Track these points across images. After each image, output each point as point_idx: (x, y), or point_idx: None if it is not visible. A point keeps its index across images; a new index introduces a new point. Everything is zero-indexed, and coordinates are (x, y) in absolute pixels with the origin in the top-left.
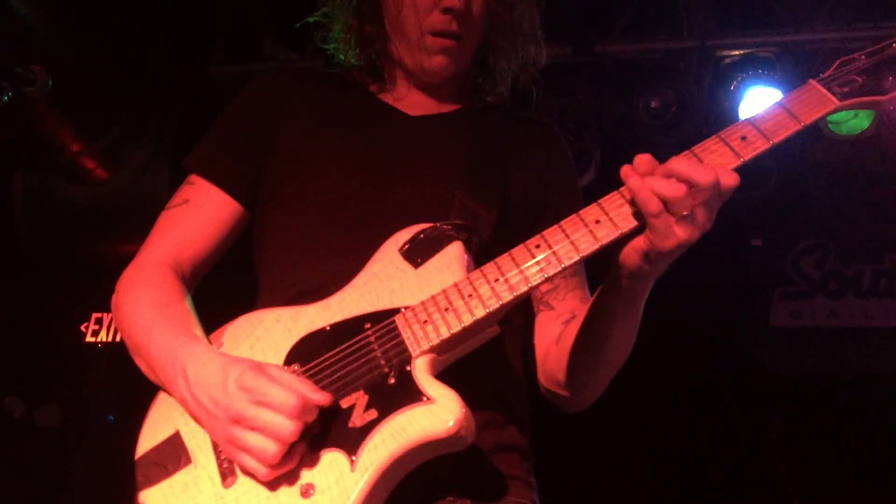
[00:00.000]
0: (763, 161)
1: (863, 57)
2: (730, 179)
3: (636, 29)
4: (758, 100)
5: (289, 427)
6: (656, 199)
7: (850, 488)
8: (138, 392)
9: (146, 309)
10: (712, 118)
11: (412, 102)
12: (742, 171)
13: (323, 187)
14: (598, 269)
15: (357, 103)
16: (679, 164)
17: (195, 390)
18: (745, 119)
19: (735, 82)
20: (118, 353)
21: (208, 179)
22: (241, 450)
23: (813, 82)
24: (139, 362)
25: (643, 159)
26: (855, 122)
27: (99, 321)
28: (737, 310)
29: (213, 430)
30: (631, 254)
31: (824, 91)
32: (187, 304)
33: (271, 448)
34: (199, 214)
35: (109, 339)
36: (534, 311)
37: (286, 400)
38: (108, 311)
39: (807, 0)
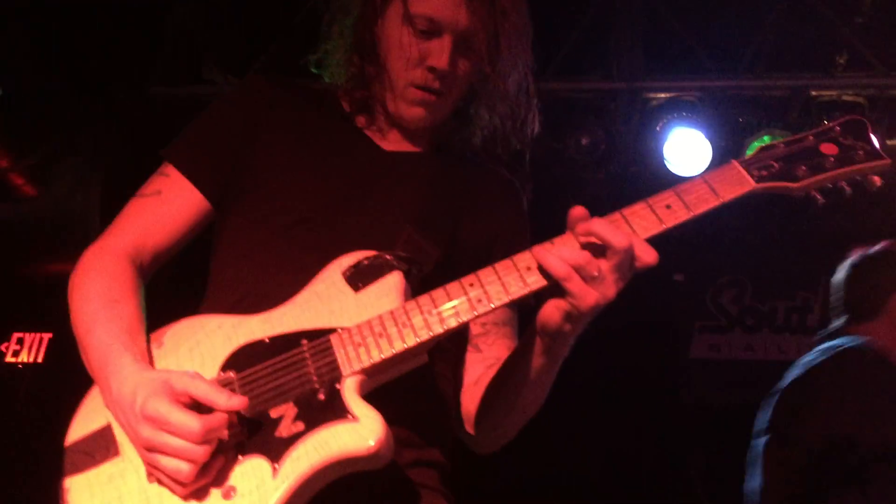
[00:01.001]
0: None
1: (781, 145)
2: (649, 257)
3: (570, 68)
4: (681, 140)
5: (197, 451)
6: (565, 265)
7: None
8: (58, 416)
9: (94, 302)
10: (639, 156)
11: (388, 137)
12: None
13: (284, 205)
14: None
15: (335, 128)
16: (599, 226)
17: (114, 406)
18: (672, 188)
19: (661, 123)
20: (39, 374)
21: (184, 174)
22: (157, 469)
23: (735, 163)
24: (82, 355)
25: (579, 213)
26: None
27: (20, 341)
28: (659, 342)
29: (133, 444)
30: (553, 312)
31: (744, 172)
32: (136, 301)
33: (184, 468)
34: (169, 207)
35: (31, 359)
36: (462, 349)
37: (189, 426)
38: (31, 330)
39: (729, 49)
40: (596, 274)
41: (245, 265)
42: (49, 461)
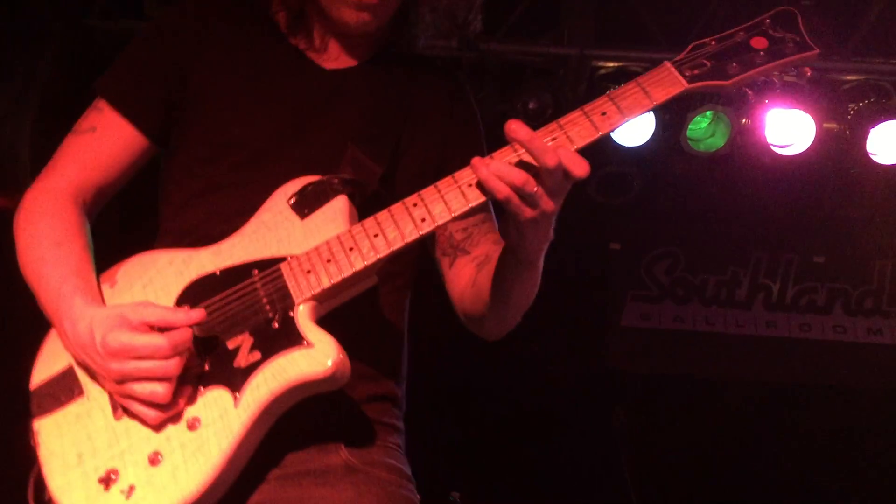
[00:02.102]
0: (627, 169)
1: (713, 42)
2: (580, 170)
3: (520, 31)
4: None
5: (169, 365)
6: (503, 184)
7: (680, 476)
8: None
9: (40, 245)
10: None
11: (329, 54)
12: (608, 177)
13: (233, 141)
14: None
15: (275, 52)
16: (530, 143)
17: (74, 346)
18: (606, 94)
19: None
20: None
21: (116, 109)
22: (131, 399)
23: (667, 63)
24: (36, 297)
25: (516, 125)
26: (712, 140)
27: None
28: (593, 307)
29: (100, 380)
30: (508, 230)
31: (676, 73)
32: (83, 242)
33: (159, 390)
34: (106, 143)
35: None
36: (449, 259)
37: (157, 343)
38: None
39: (679, 23)
40: (534, 191)
41: (198, 206)
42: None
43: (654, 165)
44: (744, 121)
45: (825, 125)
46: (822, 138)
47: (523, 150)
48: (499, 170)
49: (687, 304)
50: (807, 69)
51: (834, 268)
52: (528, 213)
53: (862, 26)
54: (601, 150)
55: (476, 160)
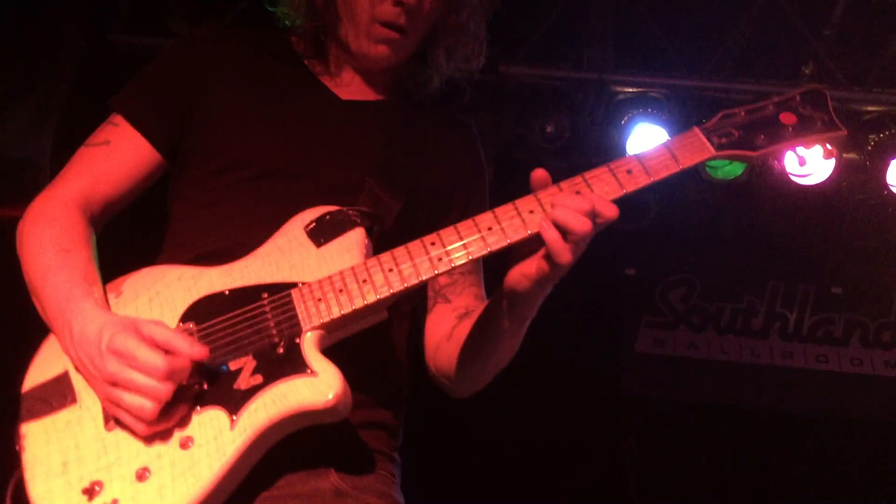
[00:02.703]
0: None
1: (742, 113)
2: (610, 211)
3: (540, 55)
4: (644, 136)
5: (160, 388)
6: (556, 231)
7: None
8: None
9: (47, 251)
10: (602, 148)
11: (345, 84)
12: (624, 202)
13: (243, 157)
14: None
15: (291, 76)
16: (561, 212)
17: (77, 348)
18: (633, 154)
19: (626, 117)
20: None
21: (132, 124)
22: (119, 408)
23: (696, 129)
24: (36, 303)
25: (540, 175)
26: (730, 168)
27: None
28: (607, 333)
29: (94, 386)
30: (521, 280)
31: (704, 139)
32: (89, 250)
33: (147, 406)
34: (118, 158)
35: None
36: (430, 302)
37: (155, 363)
38: None
39: (698, 50)
40: (576, 239)
41: (204, 217)
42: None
43: (671, 192)
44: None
45: (845, 156)
46: (841, 169)
47: (546, 201)
48: (561, 213)
49: (702, 332)
50: (832, 148)
51: (852, 299)
52: (565, 257)
53: (883, 58)
54: None
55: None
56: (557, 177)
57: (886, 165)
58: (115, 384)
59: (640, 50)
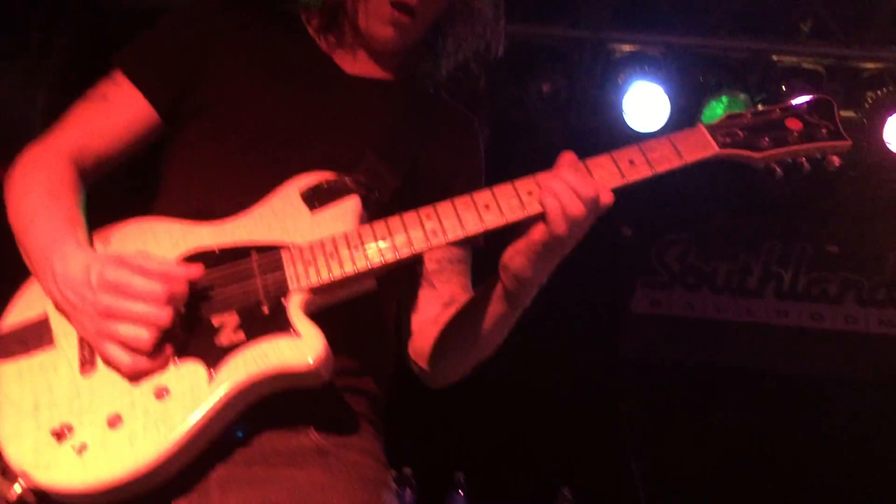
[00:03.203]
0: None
1: (748, 115)
2: (607, 198)
3: (535, 13)
4: (642, 95)
5: (161, 313)
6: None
7: (688, 466)
8: None
9: (35, 196)
10: (598, 108)
11: (351, 60)
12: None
13: (243, 120)
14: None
15: (297, 47)
16: (572, 175)
17: (61, 286)
18: (637, 144)
19: (622, 76)
20: None
21: (132, 82)
22: (112, 340)
23: (701, 126)
24: (20, 248)
25: (570, 160)
26: None
27: None
28: (602, 292)
29: (80, 323)
30: (514, 255)
31: (709, 137)
32: (77, 199)
33: (143, 335)
34: (115, 113)
35: None
36: (416, 285)
37: (153, 288)
38: None
39: (696, 8)
40: (575, 213)
41: (199, 176)
42: None
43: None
44: (760, 107)
45: (842, 113)
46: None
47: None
48: (561, 193)
49: (697, 291)
50: (834, 158)
51: (847, 258)
52: (561, 228)
53: (881, 15)
54: (615, 136)
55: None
56: (555, 138)
57: (884, 123)
58: (109, 316)
59: (637, 7)
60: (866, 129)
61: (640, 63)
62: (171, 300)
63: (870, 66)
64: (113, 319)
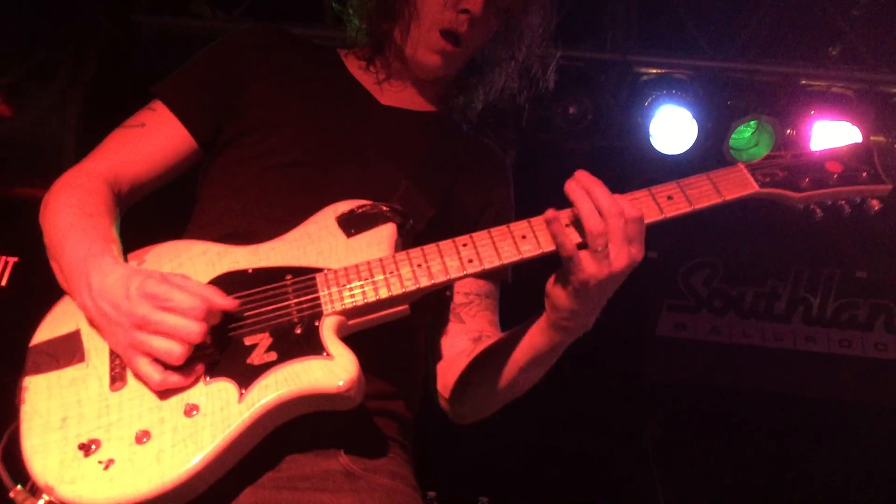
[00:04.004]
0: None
1: (788, 155)
2: (633, 212)
3: (562, 36)
4: (668, 118)
5: (194, 328)
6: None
7: (712, 490)
8: (15, 342)
9: (70, 214)
10: (625, 130)
11: (387, 91)
12: (649, 185)
13: (279, 146)
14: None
15: (333, 78)
16: (596, 188)
17: (97, 298)
18: (676, 181)
19: (650, 99)
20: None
21: (171, 109)
22: (144, 353)
23: (741, 165)
24: (53, 265)
25: (586, 178)
26: (755, 150)
27: None
28: (627, 316)
29: (113, 335)
30: (553, 287)
31: (748, 175)
32: (112, 220)
33: (176, 349)
34: (152, 140)
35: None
36: (444, 318)
37: (191, 303)
38: None
39: (724, 31)
40: (600, 249)
41: (235, 200)
42: (8, 386)
43: (695, 174)
44: (788, 131)
45: (872, 137)
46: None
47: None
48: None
49: (724, 316)
50: (874, 202)
51: (876, 283)
52: (587, 267)
53: None
54: (642, 158)
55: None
56: (581, 160)
57: None
58: (143, 326)
59: (664, 30)
60: (891, 151)
61: (667, 86)
62: (207, 316)
63: None
64: (146, 331)
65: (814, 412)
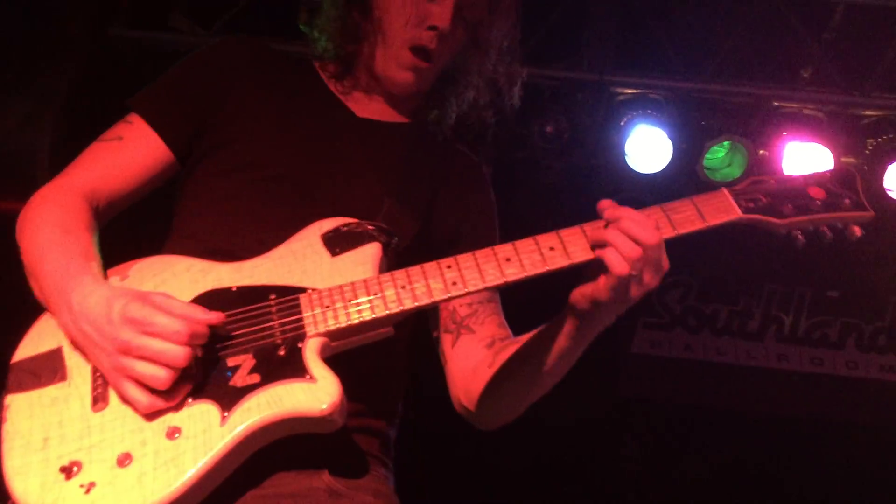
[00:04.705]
0: (641, 196)
1: (772, 181)
2: (651, 239)
3: (540, 55)
4: (644, 138)
5: (179, 353)
6: (626, 263)
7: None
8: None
9: (48, 231)
10: (601, 149)
11: (363, 103)
12: (623, 203)
13: (256, 159)
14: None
15: (310, 90)
16: (633, 221)
17: (79, 320)
18: (659, 205)
19: (625, 118)
20: None
21: (148, 122)
22: (128, 378)
23: (724, 190)
24: (32, 284)
25: (606, 205)
26: (728, 170)
27: None
28: (603, 333)
29: (97, 358)
30: (580, 299)
31: (732, 201)
32: (91, 236)
33: (161, 375)
34: (129, 153)
35: None
36: (451, 336)
37: (175, 327)
38: None
39: (699, 52)
40: (636, 273)
41: (215, 215)
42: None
43: (669, 193)
44: (761, 152)
45: (843, 159)
46: None
47: (567, 239)
48: (620, 243)
49: (698, 334)
50: (856, 228)
51: (848, 303)
52: (632, 291)
53: (882, 62)
54: (617, 177)
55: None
56: (557, 178)
57: (884, 170)
58: (127, 352)
59: (641, 51)
60: (866, 176)
61: (643, 106)
62: (190, 340)
63: (870, 113)
64: (131, 356)
65: (786, 430)
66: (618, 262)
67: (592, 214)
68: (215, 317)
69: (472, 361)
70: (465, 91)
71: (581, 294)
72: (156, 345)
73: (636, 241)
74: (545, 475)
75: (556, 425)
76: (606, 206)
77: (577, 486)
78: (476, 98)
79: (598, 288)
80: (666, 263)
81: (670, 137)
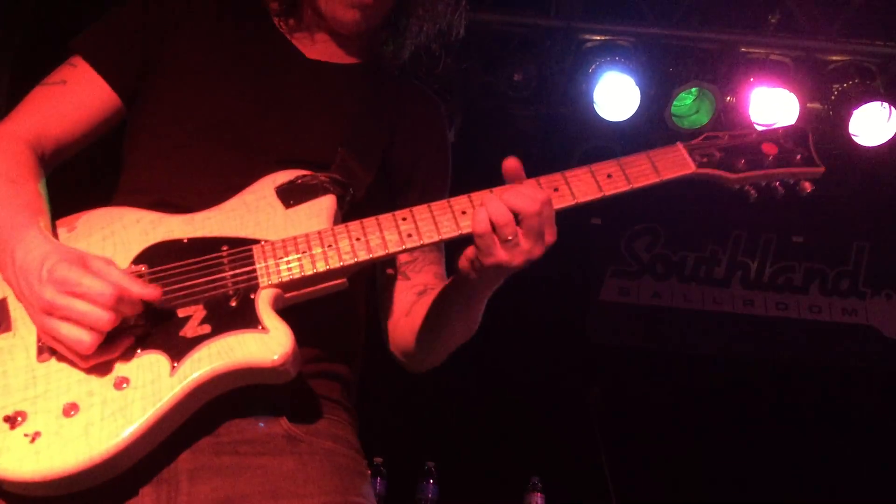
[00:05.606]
0: (610, 144)
1: (726, 136)
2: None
3: (508, 1)
4: (612, 85)
5: (102, 316)
6: (485, 220)
7: (656, 452)
8: None
9: None
10: (569, 97)
11: (312, 44)
12: (592, 151)
13: (205, 105)
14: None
15: (257, 31)
16: (511, 193)
17: (18, 274)
18: (616, 159)
19: (594, 66)
20: None
21: (91, 65)
22: (55, 340)
23: (679, 145)
24: None
25: (511, 164)
26: (696, 117)
27: None
28: (572, 281)
29: (32, 316)
30: (463, 261)
31: (686, 155)
32: (38, 185)
33: (85, 338)
34: (74, 97)
35: None
36: (389, 276)
37: (100, 290)
38: None
39: None
40: (510, 238)
41: (163, 163)
42: None
43: (637, 141)
44: (728, 98)
45: (809, 105)
46: (805, 118)
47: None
48: (490, 204)
49: (666, 281)
50: (807, 184)
51: (812, 248)
52: (490, 256)
53: (848, 8)
54: (585, 125)
55: (477, 194)
56: (525, 126)
57: (849, 115)
58: (50, 312)
59: None
60: (832, 121)
61: (611, 53)
62: (116, 303)
63: (836, 58)
64: (53, 317)
65: (753, 374)
66: (477, 221)
67: (561, 162)
68: (150, 292)
69: (400, 307)
70: (414, 24)
71: (464, 255)
72: (79, 306)
73: (512, 210)
74: (514, 424)
75: (526, 374)
76: (510, 167)
77: (546, 435)
78: (429, 31)
79: (473, 249)
80: (550, 235)
81: (638, 84)
